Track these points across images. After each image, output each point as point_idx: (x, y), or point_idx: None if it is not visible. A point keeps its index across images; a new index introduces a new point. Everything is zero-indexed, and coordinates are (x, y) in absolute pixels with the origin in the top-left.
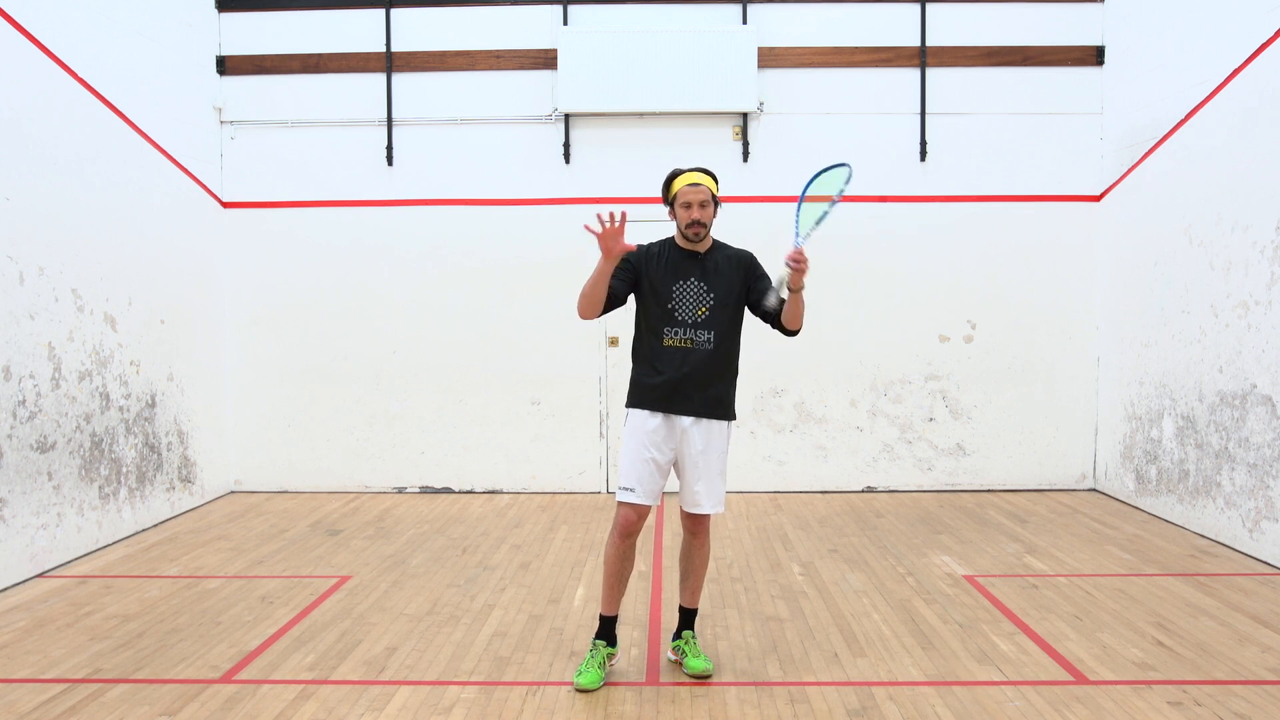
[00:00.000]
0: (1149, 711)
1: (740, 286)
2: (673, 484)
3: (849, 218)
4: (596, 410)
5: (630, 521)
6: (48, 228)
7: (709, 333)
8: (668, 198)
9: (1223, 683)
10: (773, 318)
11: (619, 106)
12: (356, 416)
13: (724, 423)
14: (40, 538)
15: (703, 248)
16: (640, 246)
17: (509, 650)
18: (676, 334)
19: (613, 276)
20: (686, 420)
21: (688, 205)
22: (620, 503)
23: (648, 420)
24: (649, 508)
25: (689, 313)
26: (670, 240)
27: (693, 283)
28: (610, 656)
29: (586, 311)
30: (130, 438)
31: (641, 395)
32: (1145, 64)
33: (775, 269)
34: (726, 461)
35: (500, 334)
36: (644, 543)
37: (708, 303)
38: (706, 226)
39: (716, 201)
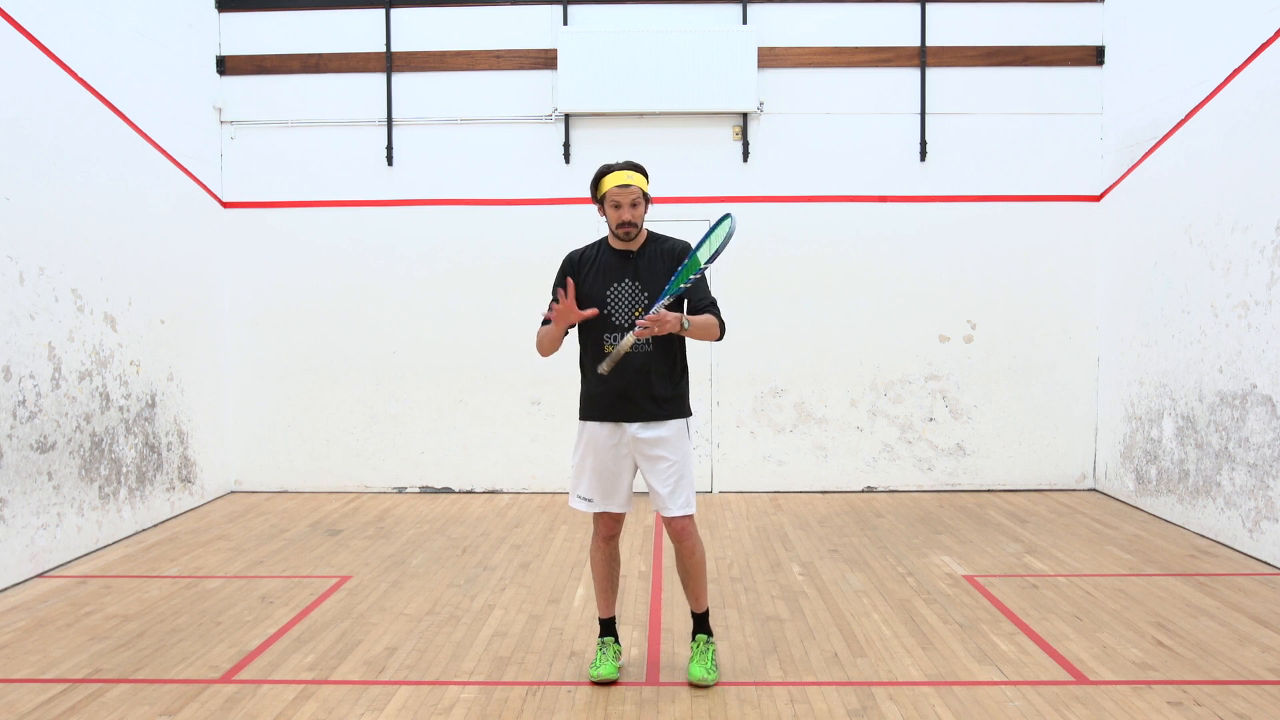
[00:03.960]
0: (1149, 711)
1: None
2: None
3: (849, 218)
4: None
5: (607, 525)
6: (48, 228)
7: None
8: (597, 195)
9: (1223, 683)
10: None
11: (619, 106)
12: (356, 416)
13: (678, 421)
14: (40, 538)
15: (635, 245)
16: (570, 255)
17: (509, 650)
18: (615, 339)
19: (556, 294)
20: (634, 426)
21: (617, 205)
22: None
23: (599, 430)
24: (621, 514)
25: (625, 316)
26: (603, 241)
27: (626, 284)
28: (617, 654)
29: (546, 353)
30: (130, 438)
31: (590, 406)
32: (1145, 64)
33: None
34: (689, 460)
35: (500, 334)
36: (643, 543)
37: (643, 303)
38: (637, 227)
39: (648, 199)
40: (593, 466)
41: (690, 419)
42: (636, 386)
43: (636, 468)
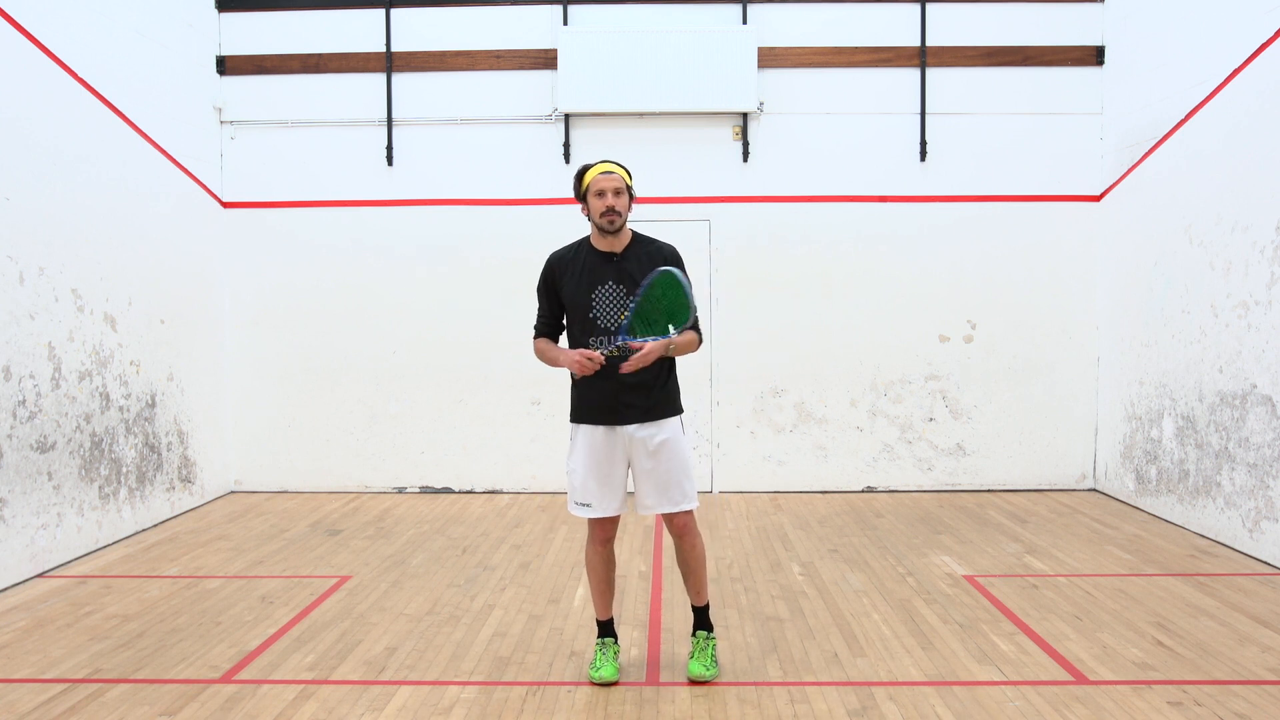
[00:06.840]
0: (1149, 711)
1: None
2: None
3: (849, 218)
4: None
5: (605, 529)
6: (48, 228)
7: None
8: (580, 192)
9: (1223, 683)
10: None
11: (619, 106)
12: (356, 416)
13: (673, 419)
14: (40, 538)
15: (619, 245)
16: (551, 257)
17: (509, 650)
18: (602, 343)
19: (543, 298)
20: (631, 428)
21: (601, 193)
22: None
23: (593, 434)
24: (617, 517)
25: (611, 319)
26: (584, 241)
27: (610, 286)
28: (617, 654)
29: (551, 365)
30: (130, 438)
31: (583, 410)
32: (1145, 64)
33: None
34: (687, 454)
35: (500, 334)
36: (644, 543)
37: (628, 306)
38: (621, 215)
39: (631, 193)
40: (591, 471)
41: (683, 415)
42: (629, 389)
43: (629, 470)
